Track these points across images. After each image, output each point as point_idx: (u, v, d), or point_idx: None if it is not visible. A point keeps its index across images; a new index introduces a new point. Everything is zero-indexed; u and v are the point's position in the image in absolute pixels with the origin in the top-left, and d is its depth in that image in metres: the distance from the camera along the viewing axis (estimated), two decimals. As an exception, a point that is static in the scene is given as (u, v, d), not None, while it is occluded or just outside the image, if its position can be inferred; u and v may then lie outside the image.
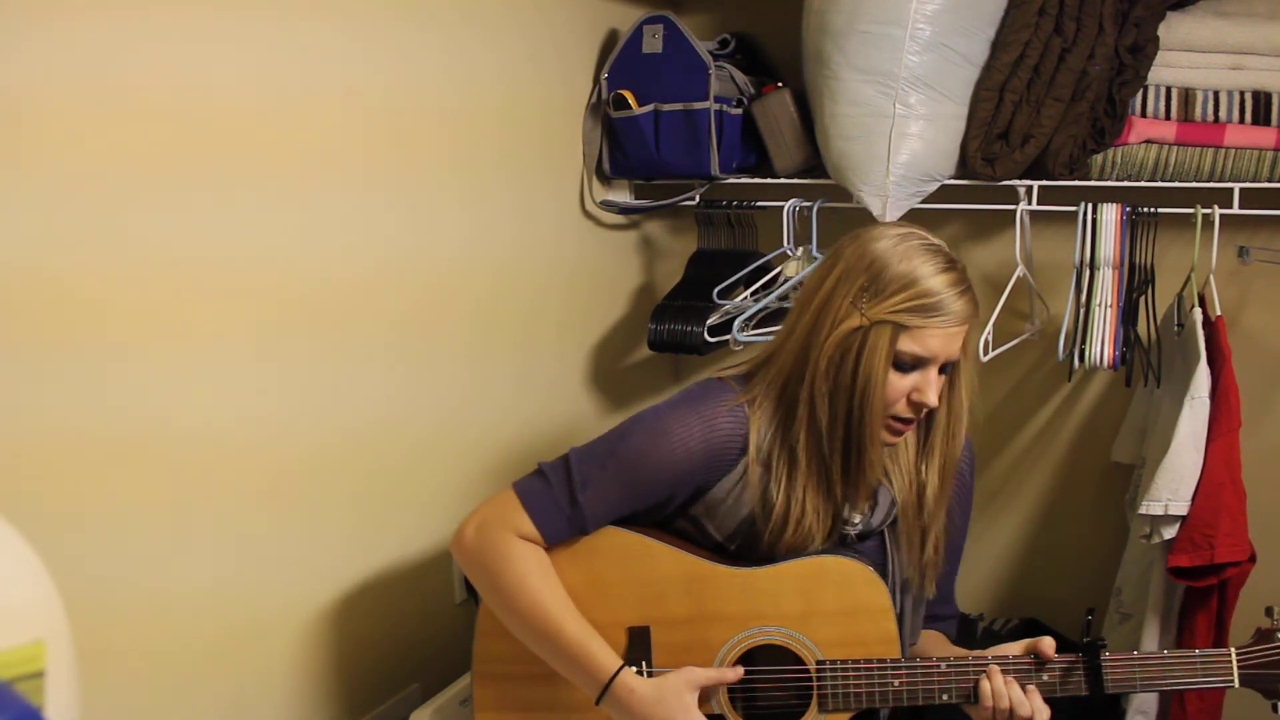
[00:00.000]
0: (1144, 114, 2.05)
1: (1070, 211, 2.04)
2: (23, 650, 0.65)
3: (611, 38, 2.34)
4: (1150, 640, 1.93)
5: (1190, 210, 1.97)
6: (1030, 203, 2.11)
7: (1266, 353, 2.17)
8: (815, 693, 1.46)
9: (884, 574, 1.51)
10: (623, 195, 2.45)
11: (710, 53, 2.25)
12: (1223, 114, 2.02)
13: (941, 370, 1.44)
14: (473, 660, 1.54)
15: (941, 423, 1.50)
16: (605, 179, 2.39)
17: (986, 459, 2.42)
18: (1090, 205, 2.01)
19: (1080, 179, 2.10)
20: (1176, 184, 2.07)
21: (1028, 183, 2.10)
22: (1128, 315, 2.00)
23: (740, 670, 1.47)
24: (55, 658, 0.67)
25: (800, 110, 2.24)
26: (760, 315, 2.14)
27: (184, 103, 1.44)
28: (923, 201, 2.11)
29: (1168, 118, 2.05)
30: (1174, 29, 2.01)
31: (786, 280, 2.15)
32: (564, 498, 1.46)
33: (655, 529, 1.53)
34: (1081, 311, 2.01)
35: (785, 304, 2.11)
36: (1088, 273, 2.02)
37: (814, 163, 2.26)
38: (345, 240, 1.71)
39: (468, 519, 1.50)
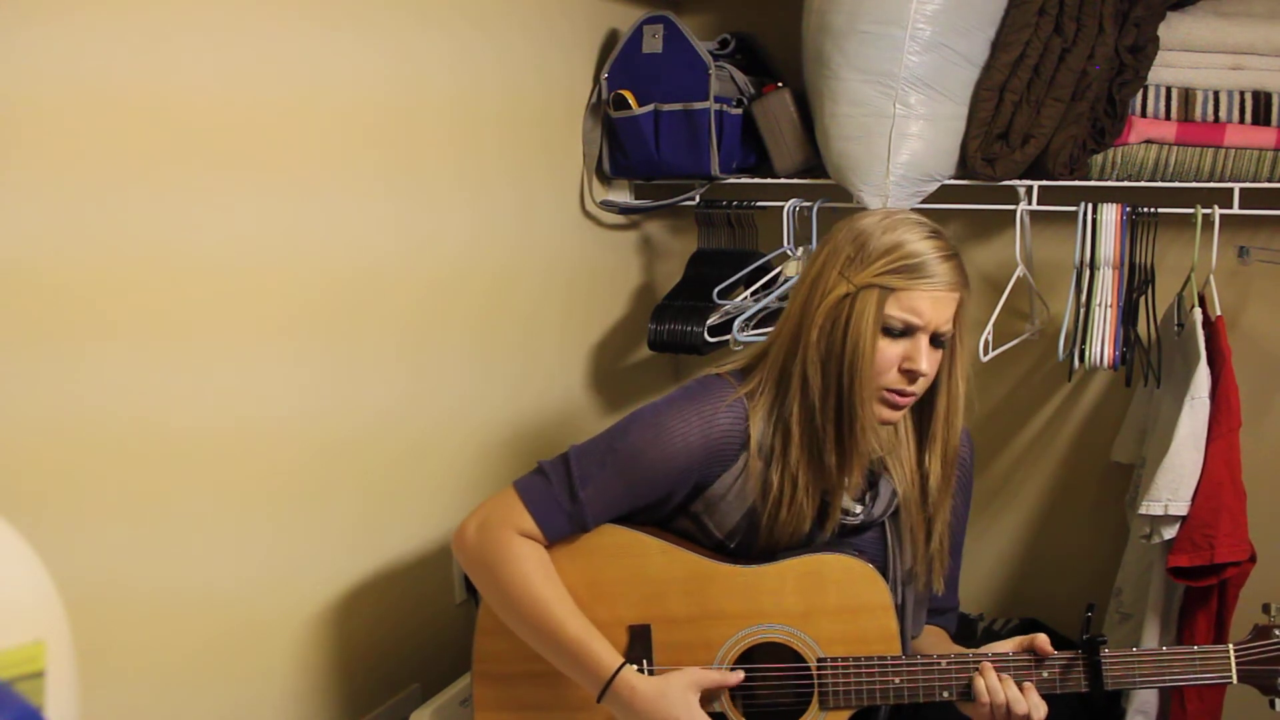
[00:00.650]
0: (1144, 114, 2.05)
1: (1070, 211, 2.04)
2: (23, 650, 0.65)
3: (611, 38, 2.34)
4: (1150, 640, 1.93)
5: (1190, 210, 1.97)
6: (1030, 203, 2.11)
7: (1266, 353, 2.17)
8: (816, 690, 1.47)
9: (885, 566, 1.51)
10: (623, 195, 2.45)
11: (710, 53, 2.25)
12: (1223, 114, 2.02)
13: (937, 344, 1.44)
14: (473, 659, 1.55)
15: (941, 411, 1.50)
16: (605, 179, 2.39)
17: (986, 459, 2.42)
18: (1090, 205, 2.01)
19: (1080, 179, 2.10)
20: (1176, 184, 2.07)
21: (1028, 183, 2.10)
22: (1128, 315, 2.00)
23: (741, 674, 1.47)
24: (55, 658, 0.67)
25: (800, 110, 2.24)
26: (760, 315, 2.14)
27: (184, 102, 1.44)
28: (923, 201, 2.11)
29: (1168, 118, 2.05)
30: (1174, 29, 2.01)
31: (786, 280, 2.15)
32: (564, 495, 1.46)
33: (656, 528, 1.53)
34: (1081, 311, 2.01)
35: (785, 304, 2.11)
36: (1088, 273, 2.02)
37: (814, 163, 2.26)
38: (345, 240, 1.71)
39: (468, 518, 1.50)
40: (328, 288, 1.69)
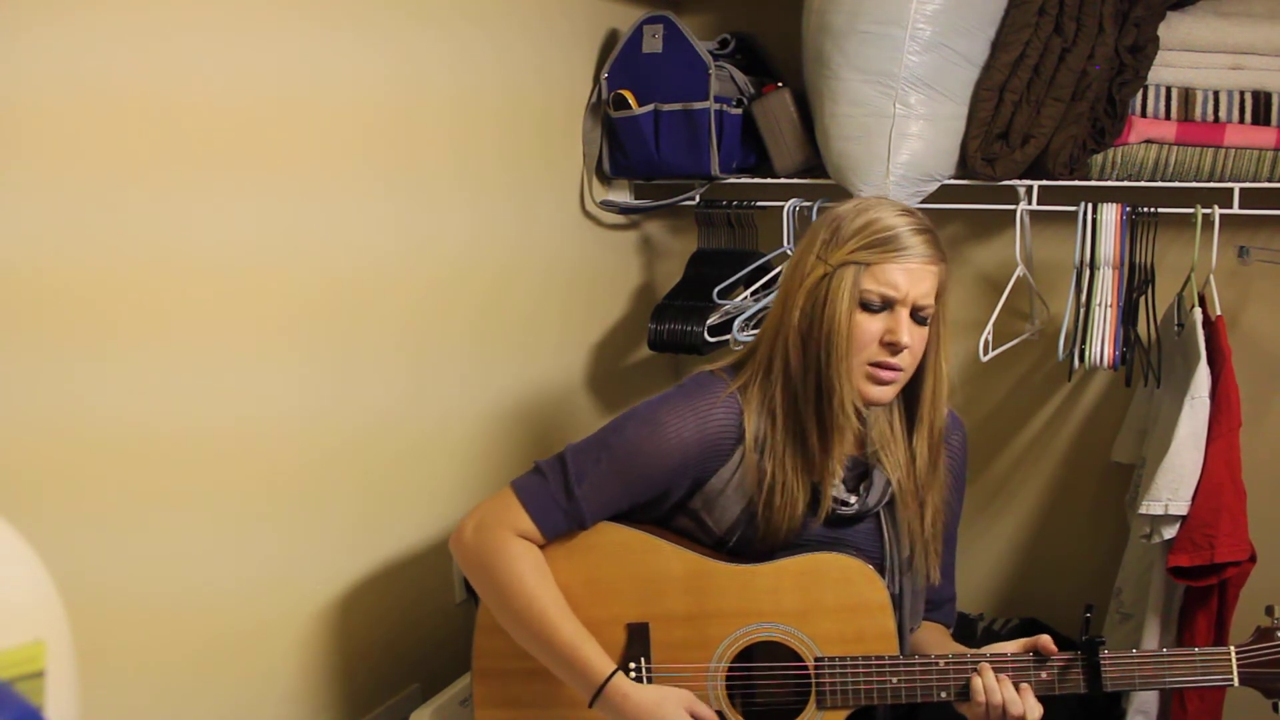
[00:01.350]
0: (1144, 114, 2.05)
1: (1070, 211, 2.04)
2: (23, 650, 0.65)
3: (611, 38, 2.34)
4: (1150, 640, 1.93)
5: (1190, 210, 1.97)
6: (1030, 203, 2.11)
7: (1266, 353, 2.17)
8: (814, 689, 1.47)
9: (882, 557, 1.52)
10: (623, 195, 2.45)
11: (710, 53, 2.25)
12: (1223, 114, 2.02)
13: (919, 320, 1.45)
14: (472, 656, 1.55)
15: (927, 393, 1.50)
16: (605, 179, 2.39)
17: (986, 459, 2.42)
18: (1090, 205, 2.01)
19: (1080, 179, 2.10)
20: (1176, 184, 2.07)
21: (1028, 183, 2.10)
22: (1128, 315, 2.00)
23: None
24: (55, 658, 0.67)
25: (800, 110, 2.24)
26: (760, 315, 2.14)
27: (183, 102, 1.43)
28: (923, 201, 2.11)
29: (1168, 118, 2.05)
30: (1174, 29, 2.01)
31: (786, 280, 2.15)
32: (560, 493, 1.47)
33: (655, 526, 1.53)
34: (1081, 311, 2.01)
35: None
36: (1088, 273, 2.02)
37: (814, 163, 2.26)
38: (344, 240, 1.71)
39: (466, 518, 1.50)
40: (327, 288, 1.69)
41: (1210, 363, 1.84)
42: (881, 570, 1.50)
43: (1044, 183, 2.10)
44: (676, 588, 1.49)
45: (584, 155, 2.31)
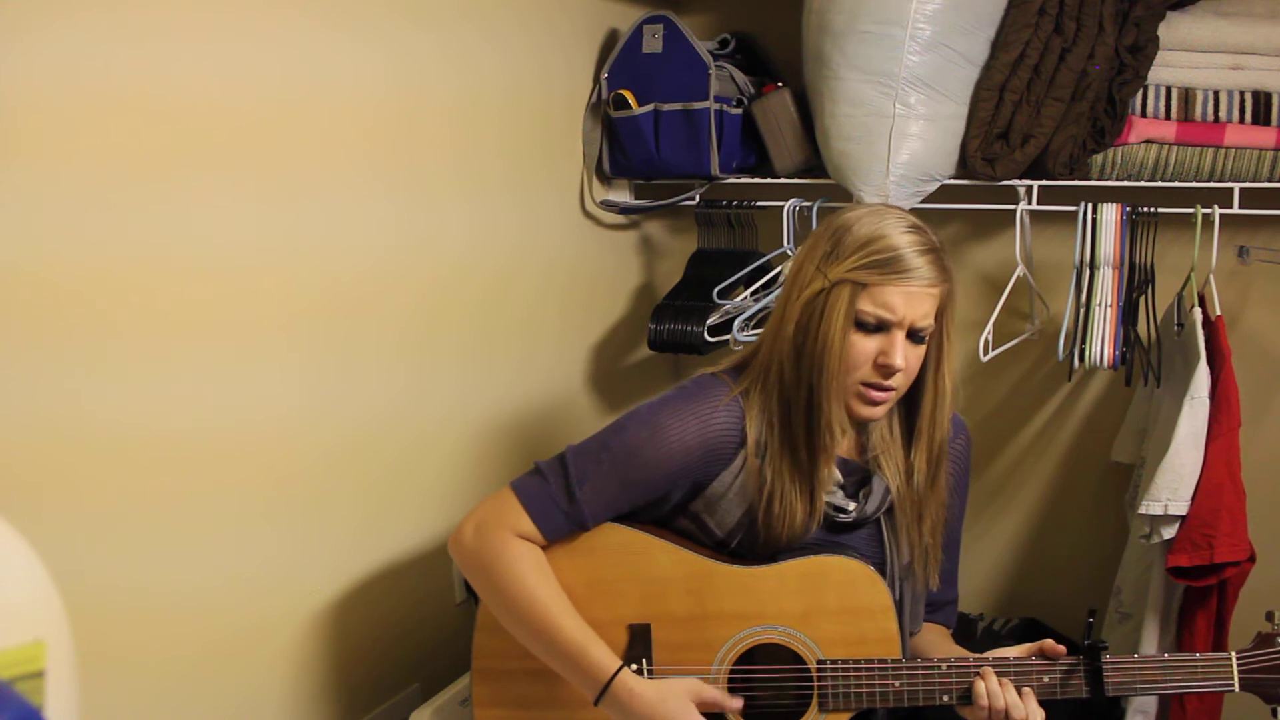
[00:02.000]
0: (1144, 114, 2.05)
1: (1070, 211, 2.04)
2: (23, 650, 0.65)
3: (611, 38, 2.34)
4: (1150, 640, 1.93)
5: (1190, 210, 1.97)
6: (1030, 202, 2.11)
7: (1266, 353, 2.17)
8: (815, 692, 1.46)
9: (882, 563, 1.51)
10: (623, 195, 2.45)
11: (710, 53, 2.25)
12: (1223, 114, 2.02)
13: (916, 340, 1.43)
14: (472, 656, 1.55)
15: (927, 408, 1.49)
16: (605, 179, 2.39)
17: (986, 459, 2.42)
18: (1090, 205, 2.01)
19: (1080, 179, 2.10)
20: (1176, 184, 2.07)
21: (1028, 182, 2.10)
22: (1128, 315, 2.00)
23: (741, 702, 1.47)
24: (55, 658, 0.67)
25: (800, 110, 2.24)
26: (760, 315, 2.14)
27: (183, 103, 1.43)
28: (923, 201, 2.11)
29: (1168, 118, 2.05)
30: (1174, 29, 2.01)
31: (786, 280, 2.15)
32: (561, 494, 1.46)
33: (657, 526, 1.53)
34: (1081, 311, 2.01)
35: (783, 303, 2.11)
36: (1088, 272, 2.02)
37: (814, 163, 2.26)
38: (344, 240, 1.71)
39: (466, 519, 1.50)
40: (327, 288, 1.68)
41: (1210, 363, 1.84)
42: (882, 575, 1.49)
43: (1044, 183, 2.10)
44: (678, 589, 1.49)
45: (584, 155, 2.31)
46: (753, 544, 1.50)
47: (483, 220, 2.01)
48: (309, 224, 1.64)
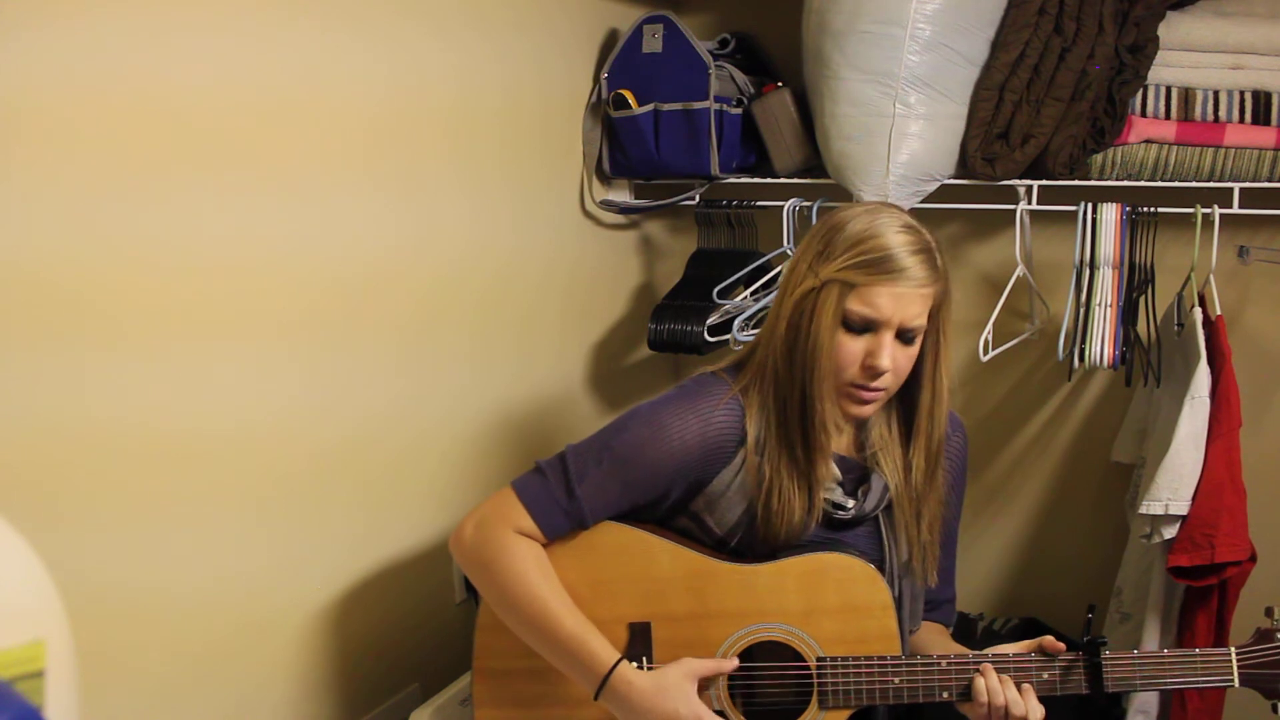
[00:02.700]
0: (1144, 114, 2.05)
1: (1070, 211, 2.04)
2: (23, 650, 0.65)
3: (611, 37, 2.34)
4: (1150, 640, 1.93)
5: (1190, 210, 1.97)
6: (1030, 202, 2.11)
7: (1266, 353, 2.17)
8: (815, 689, 1.47)
9: (881, 561, 1.51)
10: (623, 195, 2.45)
11: (710, 52, 2.25)
12: (1223, 114, 2.02)
13: (906, 340, 1.42)
14: (473, 655, 1.55)
15: (924, 407, 1.49)
16: (605, 179, 2.39)
17: (986, 459, 2.42)
18: (1090, 205, 2.01)
19: (1080, 179, 2.10)
20: (1176, 184, 2.07)
21: (1028, 182, 2.10)
22: (1128, 315, 2.00)
23: (736, 660, 1.47)
24: (55, 658, 0.67)
25: (800, 110, 2.24)
26: (760, 315, 2.14)
27: (182, 103, 1.43)
28: (923, 201, 2.11)
29: (1168, 117, 2.05)
30: (1174, 29, 2.01)
31: (786, 280, 2.15)
32: (561, 492, 1.46)
33: (657, 525, 1.53)
34: (1081, 311, 2.01)
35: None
36: (1088, 272, 2.02)
37: (814, 163, 2.26)
38: (344, 240, 1.71)
39: (466, 517, 1.50)
40: (327, 288, 1.68)
41: (1210, 363, 1.85)
42: (880, 572, 1.49)
43: (1044, 182, 2.10)
44: (678, 587, 1.49)
45: (584, 155, 2.31)
46: (753, 542, 1.50)
47: (482, 220, 2.01)
48: (308, 223, 1.64)
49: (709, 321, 2.17)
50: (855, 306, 1.39)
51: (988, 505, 2.44)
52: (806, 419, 1.44)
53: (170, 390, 1.45)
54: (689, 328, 2.17)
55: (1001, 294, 2.13)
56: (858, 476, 1.53)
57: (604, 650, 1.43)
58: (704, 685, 1.46)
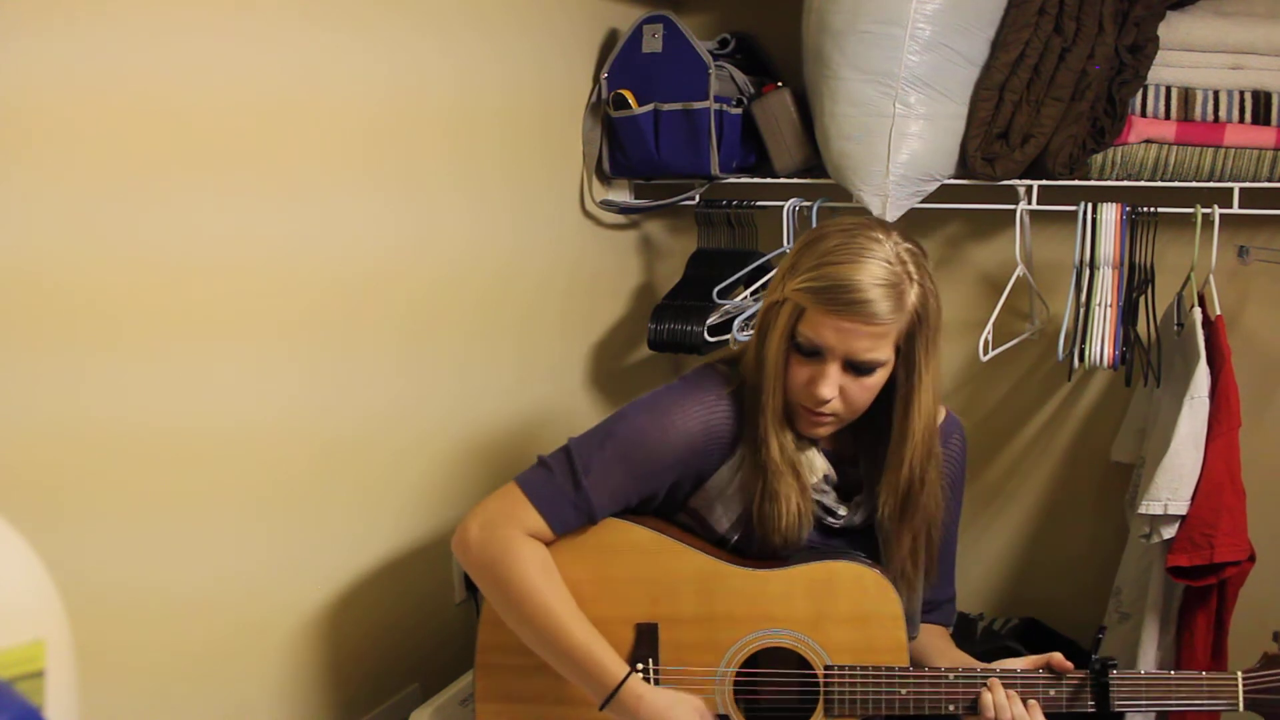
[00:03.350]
0: (1144, 114, 2.05)
1: (1070, 211, 2.04)
2: (23, 650, 0.65)
3: (611, 37, 2.34)
4: (1149, 640, 1.93)
5: (1190, 210, 1.97)
6: (1030, 202, 2.11)
7: (1266, 353, 2.17)
8: (822, 697, 1.46)
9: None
10: (623, 195, 2.45)
11: (710, 52, 2.25)
12: (1223, 114, 2.02)
13: (860, 371, 1.37)
14: (476, 651, 1.54)
15: (893, 445, 1.45)
16: (605, 179, 2.39)
17: (987, 459, 2.42)
18: (1090, 205, 2.01)
19: (1080, 179, 2.10)
20: (1176, 184, 2.07)
21: (1028, 182, 2.10)
22: (1127, 315, 2.00)
23: None
24: (55, 658, 0.67)
25: (800, 110, 2.24)
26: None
27: (185, 103, 1.43)
28: (923, 201, 2.11)
29: (1168, 117, 2.05)
30: (1174, 29, 2.01)
31: (786, 280, 2.15)
32: (568, 484, 1.45)
33: (660, 521, 1.53)
34: (1081, 311, 2.01)
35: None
36: (1088, 272, 2.02)
37: (814, 163, 2.26)
38: (344, 240, 1.70)
39: (470, 517, 1.47)
40: (326, 288, 1.68)
41: (1210, 362, 1.85)
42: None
43: (1044, 182, 2.10)
44: (687, 589, 1.48)
45: (584, 155, 2.31)
46: (751, 541, 1.49)
47: (481, 220, 2.01)
48: (308, 224, 1.64)
49: (709, 321, 2.17)
50: (803, 330, 1.37)
51: (988, 505, 2.44)
52: (762, 432, 1.44)
53: (170, 390, 1.45)
54: (689, 328, 2.17)
55: (1001, 294, 2.13)
56: (853, 485, 1.53)
57: (613, 662, 1.42)
58: (709, 697, 1.45)
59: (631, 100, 2.26)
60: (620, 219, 2.46)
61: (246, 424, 1.56)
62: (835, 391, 1.38)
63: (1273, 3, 1.99)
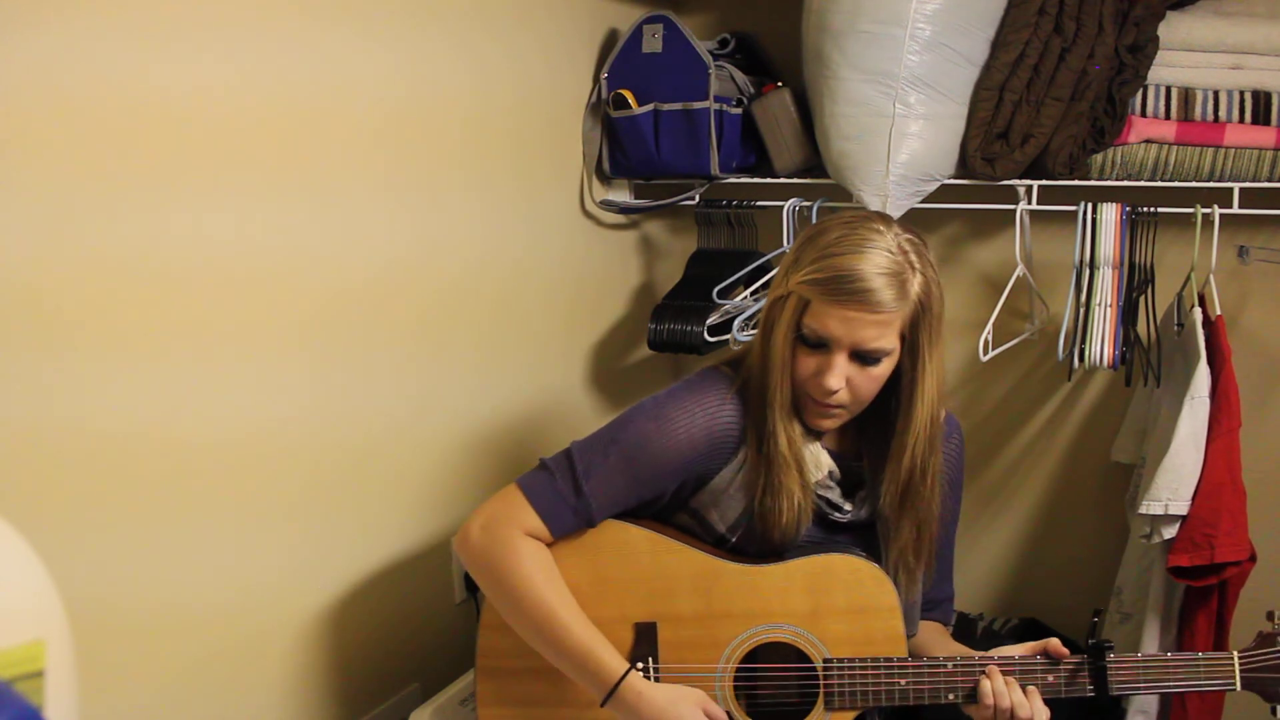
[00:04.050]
0: (1144, 114, 2.05)
1: (1070, 211, 2.04)
2: (23, 650, 0.65)
3: (611, 37, 2.34)
4: (1150, 640, 1.93)
5: (1190, 210, 1.97)
6: (1030, 202, 2.11)
7: (1266, 353, 2.17)
8: (822, 691, 1.46)
9: (876, 563, 1.51)
10: (623, 195, 2.45)
11: (710, 52, 2.25)
12: (1223, 114, 2.02)
13: (866, 361, 1.39)
14: (476, 655, 1.54)
15: (897, 435, 1.46)
16: (605, 179, 2.39)
17: (986, 459, 2.42)
18: (1090, 205, 2.01)
19: (1080, 179, 2.10)
20: (1176, 184, 2.07)
21: (1028, 182, 2.10)
22: (1127, 315, 2.00)
23: None
24: (55, 658, 0.67)
25: (800, 110, 2.24)
26: (759, 315, 2.13)
27: (195, 105, 1.43)
28: (923, 201, 2.11)
29: (1168, 117, 2.05)
30: (1174, 29, 2.01)
31: (786, 280, 2.15)
32: (568, 489, 1.46)
33: (658, 522, 1.53)
34: (1081, 311, 2.01)
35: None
36: (1087, 272, 2.02)
37: (814, 162, 2.26)
38: (353, 245, 1.70)
39: (471, 517, 1.49)
40: (336, 292, 1.68)
41: (1210, 362, 1.85)
42: None
43: (1044, 182, 2.10)
44: (685, 587, 1.49)
45: (584, 155, 2.31)
46: (752, 537, 1.49)
47: (490, 222, 2.01)
48: (318, 228, 1.64)
49: (709, 321, 2.17)
50: (809, 322, 1.38)
51: (988, 505, 2.44)
52: (770, 427, 1.44)
53: (176, 395, 1.45)
54: (689, 328, 2.17)
55: (1001, 294, 2.13)
56: (856, 480, 1.53)
57: (613, 659, 1.43)
58: (710, 693, 1.45)
59: (631, 100, 2.26)
60: (620, 219, 2.46)
61: (254, 428, 1.56)
62: (842, 382, 1.39)
63: (1273, 3, 1.99)
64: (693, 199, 2.36)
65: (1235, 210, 2.00)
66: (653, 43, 2.25)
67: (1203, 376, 1.83)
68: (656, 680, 1.48)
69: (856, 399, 1.42)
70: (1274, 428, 2.18)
